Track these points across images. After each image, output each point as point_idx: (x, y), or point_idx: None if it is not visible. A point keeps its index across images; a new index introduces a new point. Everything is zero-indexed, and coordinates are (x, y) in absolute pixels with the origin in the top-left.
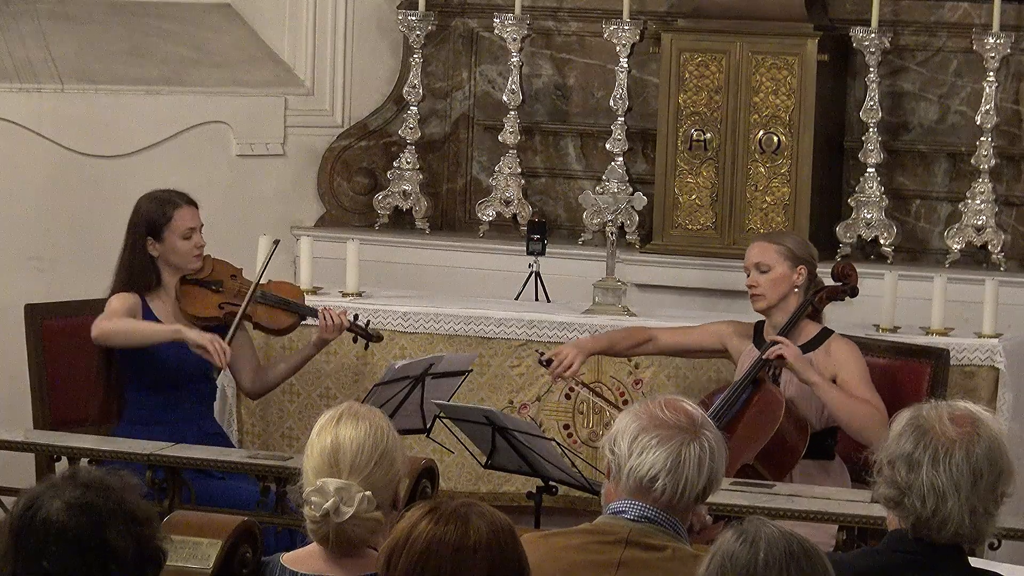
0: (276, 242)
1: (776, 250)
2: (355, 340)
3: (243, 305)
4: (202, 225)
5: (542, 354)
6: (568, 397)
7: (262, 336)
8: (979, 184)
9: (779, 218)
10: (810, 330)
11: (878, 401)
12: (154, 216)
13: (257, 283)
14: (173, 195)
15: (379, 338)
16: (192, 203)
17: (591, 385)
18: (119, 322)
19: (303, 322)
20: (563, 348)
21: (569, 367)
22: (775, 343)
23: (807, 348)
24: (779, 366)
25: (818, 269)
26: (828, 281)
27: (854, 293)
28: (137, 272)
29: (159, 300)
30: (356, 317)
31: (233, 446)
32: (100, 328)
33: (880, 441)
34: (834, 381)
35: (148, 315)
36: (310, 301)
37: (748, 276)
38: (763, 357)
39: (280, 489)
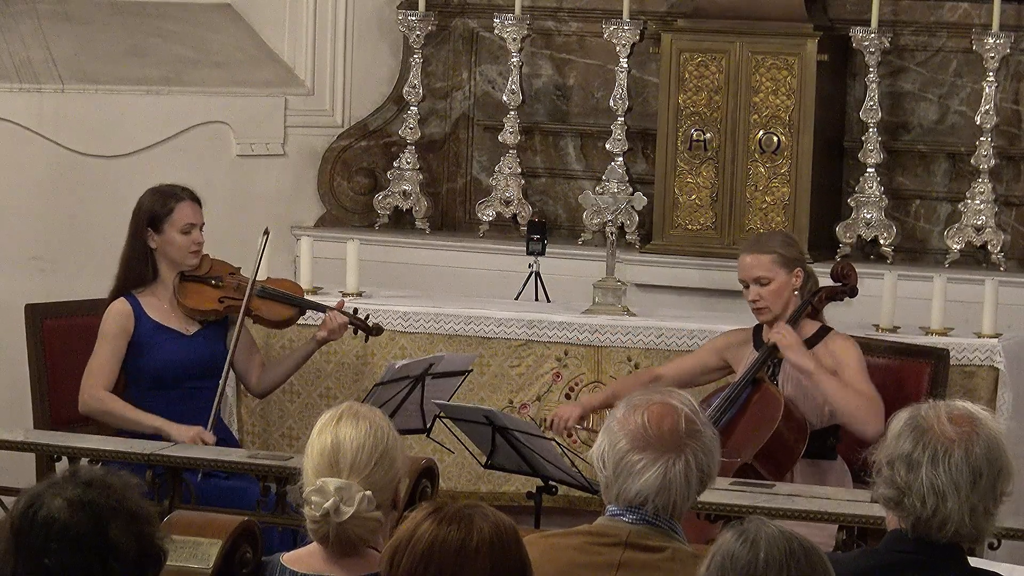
0: (266, 232)
1: (770, 260)
2: (355, 333)
3: (245, 298)
4: (203, 224)
5: (544, 420)
6: (568, 397)
7: (262, 335)
8: (979, 184)
9: (779, 218)
10: (809, 328)
11: (874, 393)
12: (155, 207)
13: (255, 276)
14: (177, 189)
15: (379, 331)
16: (195, 199)
17: (588, 427)
18: (107, 405)
19: (303, 319)
20: (561, 408)
21: (567, 421)
22: (777, 334)
23: (807, 346)
24: (777, 359)
25: (815, 268)
26: (827, 282)
27: (853, 293)
28: (135, 264)
29: (154, 297)
30: (355, 311)
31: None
32: (87, 406)
33: (875, 429)
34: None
35: (142, 318)
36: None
37: (747, 289)
38: (765, 343)
39: (280, 489)
